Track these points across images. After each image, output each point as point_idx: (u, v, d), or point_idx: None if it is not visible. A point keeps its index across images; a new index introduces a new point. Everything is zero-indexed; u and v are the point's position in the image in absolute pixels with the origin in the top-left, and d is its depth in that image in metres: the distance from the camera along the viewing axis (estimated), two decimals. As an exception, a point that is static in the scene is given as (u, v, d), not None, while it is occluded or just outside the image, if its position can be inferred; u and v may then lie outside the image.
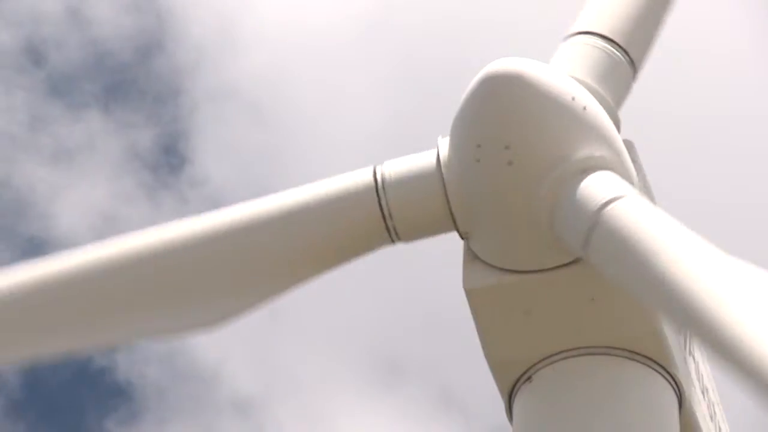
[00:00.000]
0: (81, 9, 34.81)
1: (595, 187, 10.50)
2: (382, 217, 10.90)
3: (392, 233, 10.95)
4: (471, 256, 10.99)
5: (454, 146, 10.94)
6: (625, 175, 10.76)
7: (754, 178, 30.53)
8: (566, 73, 11.24)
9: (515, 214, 10.83)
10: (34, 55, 34.80)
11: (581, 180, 10.56)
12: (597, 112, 10.91)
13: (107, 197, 35.37)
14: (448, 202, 10.88)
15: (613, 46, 11.71)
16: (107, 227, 34.81)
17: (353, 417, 34.30)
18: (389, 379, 34.44)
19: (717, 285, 9.38)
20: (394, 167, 11.01)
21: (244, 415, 34.52)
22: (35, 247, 34.11)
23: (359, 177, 10.99)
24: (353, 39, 33.82)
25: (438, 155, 10.91)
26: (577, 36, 11.86)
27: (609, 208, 10.23)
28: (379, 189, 10.90)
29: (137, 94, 35.84)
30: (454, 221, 10.93)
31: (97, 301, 11.40)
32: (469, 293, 10.90)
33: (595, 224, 10.27)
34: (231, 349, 34.96)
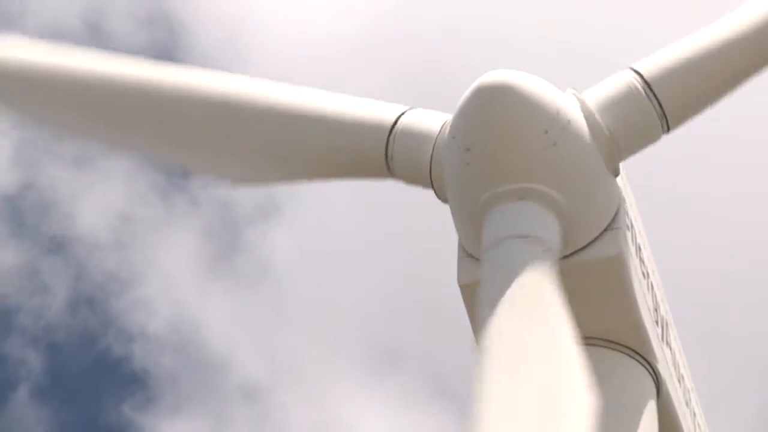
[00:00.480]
0: (100, 23, 35.95)
1: (506, 218, 11.16)
2: (385, 155, 11.79)
3: (389, 169, 11.85)
4: (464, 254, 11.60)
5: (448, 136, 11.46)
6: (565, 215, 11.20)
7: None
8: (589, 105, 11.58)
9: (464, 211, 11.59)
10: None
11: (513, 203, 11.20)
12: (566, 153, 11.26)
13: (123, 198, 36.22)
14: (431, 170, 11.64)
15: (653, 100, 11.73)
16: (124, 226, 35.86)
17: (353, 401, 35.09)
18: (387, 366, 35.20)
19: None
20: (411, 118, 11.81)
21: (251, 401, 35.37)
22: (57, 245, 35.07)
23: (385, 114, 11.99)
24: (351, 48, 34.89)
25: (440, 129, 11.56)
26: (634, 74, 11.83)
27: (501, 242, 10.98)
28: (392, 132, 11.75)
29: None
30: (433, 187, 11.69)
31: (174, 123, 12.79)
32: (462, 288, 11.50)
33: (489, 248, 10.98)
34: (240, 340, 35.79)
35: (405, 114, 11.98)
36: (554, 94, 11.32)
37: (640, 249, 12.03)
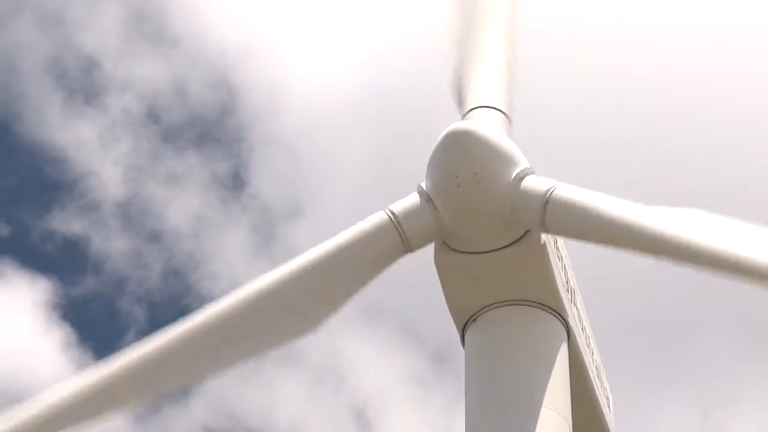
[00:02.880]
0: (183, 87, 40.17)
1: (536, 183, 13.18)
2: (401, 239, 13.41)
3: (406, 248, 13.43)
4: (442, 246, 13.44)
5: (436, 178, 13.36)
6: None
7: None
8: (489, 127, 13.63)
9: (485, 213, 13.25)
10: (153, 115, 40.47)
11: (522, 183, 13.22)
12: (514, 148, 13.52)
13: (198, 204, 41.09)
14: (438, 217, 13.32)
15: (499, 111, 14.21)
16: (198, 223, 41.01)
17: (351, 342, 39.01)
18: (373, 317, 39.26)
19: (655, 220, 12.42)
20: (397, 207, 13.49)
21: (289, 353, 39.58)
22: (154, 236, 39.53)
23: (378, 221, 13.52)
24: (355, 102, 38.67)
25: (424, 192, 13.41)
26: (479, 109, 14.14)
27: (554, 191, 12.99)
28: (395, 222, 13.39)
29: (217, 141, 42.28)
30: (442, 230, 13.36)
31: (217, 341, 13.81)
32: (439, 268, 13.55)
33: (545, 203, 12.95)
34: None
35: (392, 207, 13.56)
36: (495, 133, 13.53)
37: (556, 241, 13.71)
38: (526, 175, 13.31)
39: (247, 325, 13.74)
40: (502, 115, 14.15)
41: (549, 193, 13.06)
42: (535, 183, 13.29)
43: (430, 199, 13.34)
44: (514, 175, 13.32)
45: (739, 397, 36.91)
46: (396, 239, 13.38)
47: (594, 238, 13.07)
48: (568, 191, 13.16)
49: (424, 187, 13.45)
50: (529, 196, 13.20)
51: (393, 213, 13.38)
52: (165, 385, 14.03)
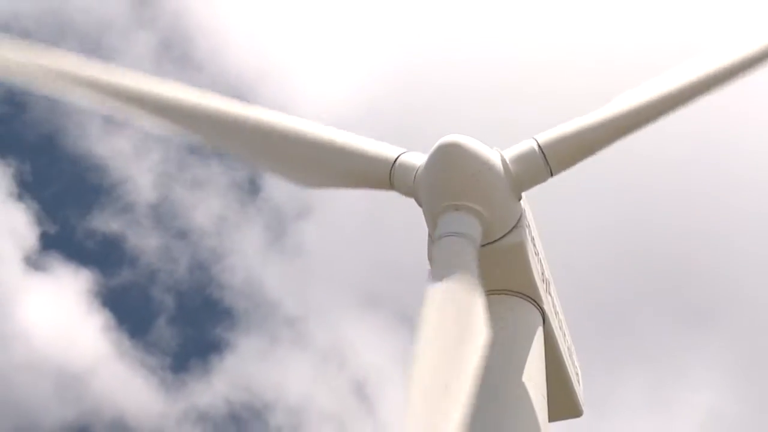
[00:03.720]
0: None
1: (450, 220, 12.81)
2: (389, 178, 13.46)
3: (392, 185, 13.46)
4: (431, 240, 13.11)
5: (423, 168, 13.22)
6: (490, 226, 12.92)
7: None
8: (505, 158, 13.13)
9: (429, 214, 13.14)
10: None
11: (453, 212, 12.86)
12: (493, 183, 12.96)
13: (218, 206, 41.90)
14: (414, 189, 13.27)
15: (541, 154, 13.21)
16: (219, 222, 41.86)
17: (352, 326, 39.02)
18: (370, 304, 39.22)
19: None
20: (405, 157, 13.47)
21: (292, 327, 41.10)
22: (181, 233, 39.85)
23: (392, 152, 13.59)
24: (355, 118, 37.95)
25: (419, 166, 13.23)
26: (534, 141, 13.35)
27: (445, 237, 12.69)
28: (394, 164, 13.44)
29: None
30: (415, 198, 13.30)
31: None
32: (431, 261, 13.01)
33: (436, 240, 12.68)
34: (285, 290, 40.19)
35: (403, 154, 13.55)
36: (484, 150, 13.08)
37: (533, 239, 13.51)
38: (465, 209, 13.00)
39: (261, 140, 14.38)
40: (541, 156, 13.49)
41: (537, 143, 13.20)
42: (520, 148, 13.37)
43: (415, 174, 13.40)
44: (500, 162, 13.20)
45: (687, 372, 36.40)
46: (386, 177, 13.57)
47: (597, 145, 13.22)
48: (547, 135, 13.32)
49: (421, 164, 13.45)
50: (524, 158, 13.24)
51: (399, 159, 13.55)
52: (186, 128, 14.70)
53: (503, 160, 13.17)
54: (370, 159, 13.66)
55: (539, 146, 13.20)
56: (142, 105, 14.92)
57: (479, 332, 11.45)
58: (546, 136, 13.29)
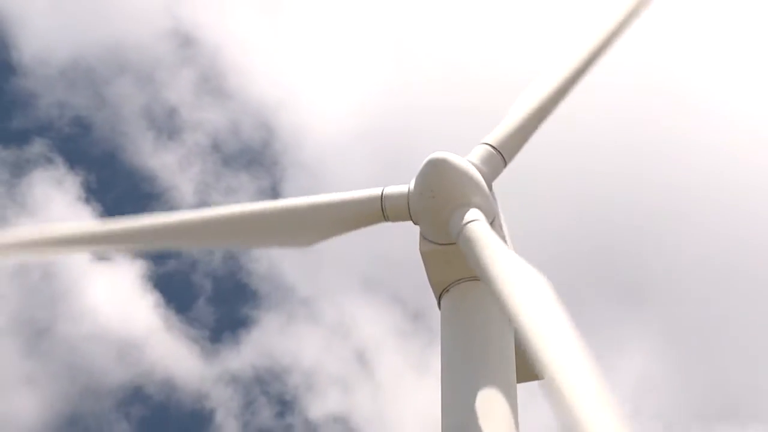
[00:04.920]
0: (236, 127, 40.92)
1: (465, 214, 12.66)
2: (381, 211, 13.26)
3: (385, 217, 13.24)
4: (423, 237, 13.13)
5: (416, 188, 13.13)
6: (487, 212, 12.85)
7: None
8: (469, 160, 13.15)
9: (437, 220, 12.98)
10: (215, 147, 40.73)
11: (463, 209, 12.81)
12: (479, 181, 13.03)
13: None
14: (409, 209, 13.16)
15: (495, 151, 13.39)
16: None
17: (352, 306, 38.16)
18: (370, 287, 38.75)
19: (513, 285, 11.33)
20: (389, 190, 13.30)
21: (308, 308, 39.59)
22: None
23: (373, 191, 13.41)
24: (359, 135, 37.92)
25: (409, 189, 13.18)
26: (485, 145, 13.48)
27: (469, 224, 12.58)
28: (382, 198, 13.27)
29: (260, 164, 41.12)
30: (411, 217, 13.18)
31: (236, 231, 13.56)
32: (422, 253, 13.13)
33: (461, 230, 12.58)
34: (301, 279, 40.37)
35: (386, 188, 13.32)
36: (461, 160, 13.06)
37: (506, 237, 13.30)
38: (469, 204, 12.92)
39: (251, 222, 13.56)
40: (496, 153, 13.54)
41: (490, 144, 13.39)
42: (478, 152, 13.39)
43: (408, 198, 13.29)
44: (464, 198, 12.99)
45: (622, 342, 36.49)
46: (378, 212, 13.36)
47: (531, 129, 13.48)
48: (493, 135, 13.45)
49: (410, 187, 13.36)
50: (486, 159, 13.33)
51: (384, 194, 13.37)
52: (173, 243, 13.64)
53: (475, 165, 13.18)
54: (358, 202, 13.41)
55: (492, 146, 13.32)
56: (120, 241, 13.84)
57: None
58: (493, 136, 13.41)
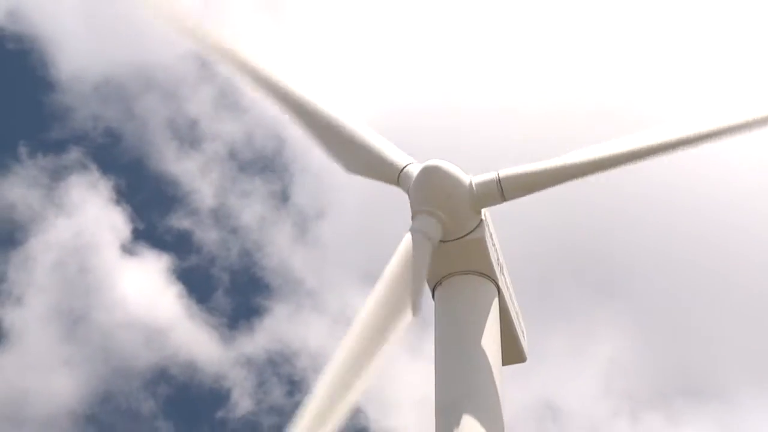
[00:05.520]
0: (251, 137, 41.09)
1: (419, 221, 12.62)
2: (398, 179, 13.25)
3: (398, 184, 13.22)
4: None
5: (412, 186, 13.07)
6: (446, 224, 12.76)
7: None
8: (473, 182, 12.89)
9: (414, 210, 12.82)
10: (233, 154, 40.80)
11: (422, 215, 12.73)
12: (453, 197, 12.84)
13: (261, 211, 40.99)
14: (409, 192, 13.02)
15: (499, 186, 12.94)
16: (262, 223, 40.44)
17: (353, 296, 37.93)
18: (369, 280, 39.09)
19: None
20: (410, 167, 13.19)
21: (314, 299, 39.77)
22: (233, 231, 40.10)
23: (403, 160, 13.37)
24: None
25: (409, 186, 13.01)
26: (495, 173, 13.01)
27: (499, 173, 12.73)
28: (401, 170, 13.28)
29: (272, 170, 41.20)
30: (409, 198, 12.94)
31: None
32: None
33: (499, 182, 12.73)
34: (307, 270, 40.46)
35: (409, 165, 13.30)
36: (458, 173, 12.94)
37: (492, 235, 13.34)
38: (473, 182, 13.02)
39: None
40: (498, 187, 13.19)
41: (498, 175, 12.98)
42: (485, 176, 13.11)
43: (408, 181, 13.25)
44: (468, 184, 13.03)
45: (595, 329, 36.57)
46: (395, 177, 13.41)
47: (543, 185, 12.88)
48: (508, 170, 13.05)
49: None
50: (485, 186, 12.98)
51: (404, 167, 13.39)
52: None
53: (470, 184, 12.98)
54: (389, 163, 13.46)
55: (498, 178, 12.99)
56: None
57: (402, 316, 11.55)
58: (507, 171, 13.02)
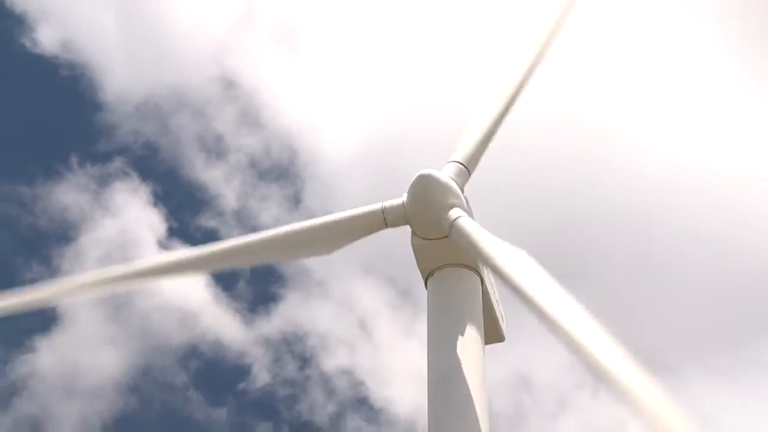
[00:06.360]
0: (269, 149, 40.21)
1: (451, 213, 12.56)
2: (383, 220, 13.05)
3: (386, 225, 13.04)
4: (414, 234, 13.10)
5: (410, 198, 12.94)
6: (466, 211, 12.85)
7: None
8: (447, 174, 12.99)
9: (427, 221, 12.88)
10: (253, 164, 40.01)
11: (449, 210, 12.69)
12: (456, 189, 12.91)
13: (278, 212, 39.62)
14: (405, 215, 12.94)
15: (462, 166, 13.15)
16: (277, 222, 38.70)
17: (355, 284, 37.88)
18: (368, 270, 38.69)
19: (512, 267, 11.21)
20: (388, 203, 13.09)
21: (321, 287, 38.92)
22: (253, 229, 39.76)
23: (375, 207, 13.17)
24: (363, 154, 37.60)
25: (403, 200, 13.03)
26: (455, 162, 13.20)
27: (457, 219, 12.48)
28: (383, 210, 13.06)
29: (286, 177, 40.14)
30: (406, 221, 13.02)
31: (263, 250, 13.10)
32: (414, 246, 13.09)
33: (452, 224, 12.48)
34: (316, 262, 40.02)
35: (385, 202, 13.10)
36: (440, 173, 12.92)
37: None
38: (453, 205, 12.76)
39: (282, 242, 12.95)
40: (462, 167, 13.14)
41: (458, 161, 12.94)
42: (452, 168, 12.98)
43: (404, 207, 13.07)
44: (448, 202, 12.83)
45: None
46: (380, 220, 13.05)
47: (486, 142, 13.01)
48: (458, 152, 13.03)
49: (405, 200, 13.13)
50: (458, 172, 12.94)
51: (384, 207, 13.07)
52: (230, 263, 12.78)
53: (451, 177, 12.95)
54: (365, 215, 13.01)
55: (459, 162, 13.06)
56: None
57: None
58: (458, 154, 13.08)
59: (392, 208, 12.96)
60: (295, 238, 12.93)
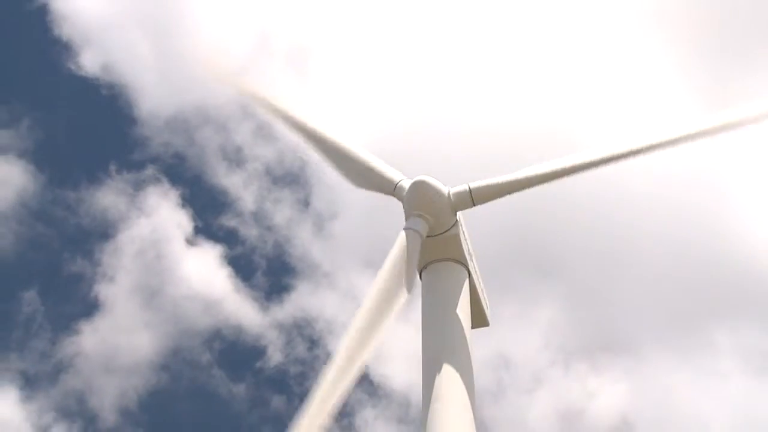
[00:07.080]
0: (282, 160, 40.45)
1: (410, 222, 12.35)
2: (394, 191, 12.99)
3: (394, 195, 12.91)
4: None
5: (408, 195, 12.83)
6: (434, 225, 12.49)
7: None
8: (450, 192, 12.66)
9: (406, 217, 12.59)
10: (268, 172, 39.98)
11: (414, 217, 12.50)
12: (436, 203, 12.70)
13: (290, 213, 39.55)
14: (403, 200, 12.69)
15: (470, 195, 12.73)
16: (290, 222, 39.45)
17: (357, 278, 37.58)
18: (369, 265, 38.73)
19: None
20: (403, 182, 12.89)
21: (328, 279, 38.90)
22: (269, 228, 38.97)
23: (397, 176, 13.03)
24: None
25: (403, 195, 12.77)
26: (467, 185, 12.73)
27: (470, 185, 12.41)
28: (397, 184, 12.99)
29: (297, 183, 40.27)
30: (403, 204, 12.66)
31: None
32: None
33: (470, 192, 12.52)
34: (323, 257, 39.98)
35: (402, 180, 13.04)
36: (439, 186, 12.77)
37: (464, 232, 13.13)
38: (450, 192, 12.76)
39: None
40: (469, 194, 12.85)
41: (469, 187, 12.71)
42: (459, 188, 12.84)
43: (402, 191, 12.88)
44: (446, 193, 12.81)
45: (537, 300, 36.47)
46: (391, 189, 13.10)
47: (502, 193, 12.58)
48: (476, 183, 12.82)
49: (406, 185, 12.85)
50: (460, 195, 12.71)
51: (399, 182, 13.00)
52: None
53: (449, 193, 12.83)
54: (387, 179, 13.13)
55: (469, 189, 12.86)
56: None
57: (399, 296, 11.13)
58: (476, 183, 12.88)
59: (400, 188, 12.96)
60: (347, 161, 13.32)
